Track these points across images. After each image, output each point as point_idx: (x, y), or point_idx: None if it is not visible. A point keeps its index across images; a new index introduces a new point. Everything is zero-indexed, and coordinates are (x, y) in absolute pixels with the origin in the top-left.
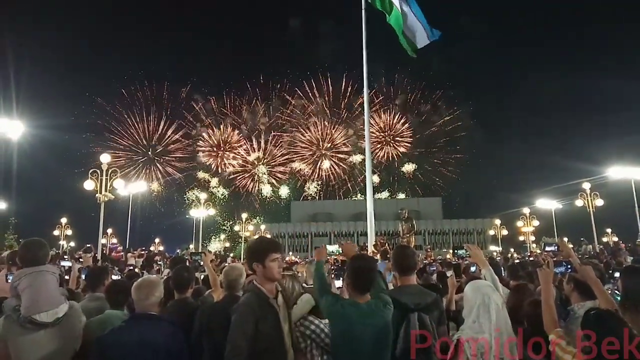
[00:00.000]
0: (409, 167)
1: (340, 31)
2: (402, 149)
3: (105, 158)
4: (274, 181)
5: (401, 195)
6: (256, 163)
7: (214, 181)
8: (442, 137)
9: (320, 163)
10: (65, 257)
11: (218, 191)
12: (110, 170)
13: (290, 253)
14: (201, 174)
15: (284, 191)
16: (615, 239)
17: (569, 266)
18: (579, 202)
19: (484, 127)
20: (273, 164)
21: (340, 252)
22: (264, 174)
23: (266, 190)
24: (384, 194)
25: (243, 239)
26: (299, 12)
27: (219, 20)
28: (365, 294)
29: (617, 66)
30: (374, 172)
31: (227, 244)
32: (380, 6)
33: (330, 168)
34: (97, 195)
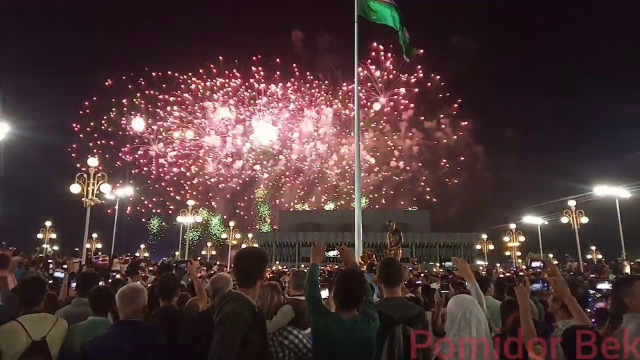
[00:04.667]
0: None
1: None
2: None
3: (92, 162)
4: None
5: None
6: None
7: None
8: (443, 154)
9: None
10: (49, 261)
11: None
12: (97, 174)
13: (278, 262)
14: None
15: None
16: (599, 256)
17: (545, 283)
18: (564, 219)
19: (478, 145)
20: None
21: (338, 256)
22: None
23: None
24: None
25: (230, 247)
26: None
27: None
28: (352, 310)
29: (604, 91)
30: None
31: (214, 252)
32: (377, 17)
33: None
34: (83, 199)
